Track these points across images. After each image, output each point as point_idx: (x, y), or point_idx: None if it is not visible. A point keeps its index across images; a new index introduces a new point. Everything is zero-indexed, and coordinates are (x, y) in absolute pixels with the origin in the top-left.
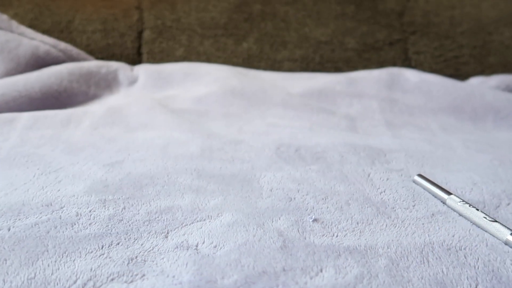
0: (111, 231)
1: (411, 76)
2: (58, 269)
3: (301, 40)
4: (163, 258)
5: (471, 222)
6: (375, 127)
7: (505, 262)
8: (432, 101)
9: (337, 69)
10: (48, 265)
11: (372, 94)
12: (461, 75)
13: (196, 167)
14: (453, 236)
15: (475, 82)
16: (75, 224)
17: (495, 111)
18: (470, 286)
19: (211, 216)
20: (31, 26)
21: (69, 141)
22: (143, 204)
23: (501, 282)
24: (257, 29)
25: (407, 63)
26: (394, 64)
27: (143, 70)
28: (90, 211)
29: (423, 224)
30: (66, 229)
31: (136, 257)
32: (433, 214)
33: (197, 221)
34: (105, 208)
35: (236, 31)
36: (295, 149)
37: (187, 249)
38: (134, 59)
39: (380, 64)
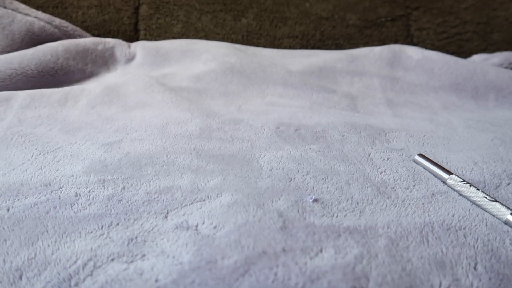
0: (111, 211)
1: (413, 53)
2: (58, 249)
3: (301, 16)
4: (163, 239)
5: (471, 202)
6: (376, 106)
7: (504, 242)
8: (433, 79)
9: (338, 46)
10: (48, 245)
11: (373, 72)
12: (464, 52)
13: (195, 146)
14: (453, 216)
15: (478, 59)
16: (74, 204)
17: (497, 89)
18: (469, 266)
19: (210, 197)
20: (25, 1)
21: (66, 121)
22: (142, 184)
23: (500, 262)
24: (256, 4)
25: (409, 40)
26: (396, 41)
27: (141, 47)
28: (89, 191)
29: (423, 204)
30: (66, 209)
31: (136, 237)
32: (433, 194)
33: (197, 202)
34: (104, 188)
35: (235, 6)
36: (295, 128)
37: (187, 230)
38: (131, 36)
39: (382, 41)
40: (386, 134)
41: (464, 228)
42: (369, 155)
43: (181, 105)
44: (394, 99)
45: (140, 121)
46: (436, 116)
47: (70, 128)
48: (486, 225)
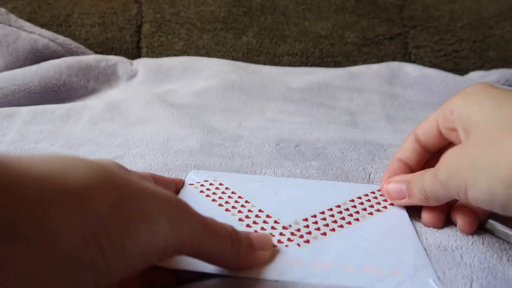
0: None
1: (411, 70)
2: None
3: (300, 34)
4: None
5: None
6: (376, 122)
7: (501, 259)
8: (432, 96)
9: (336, 63)
10: None
11: (372, 88)
12: (461, 69)
13: (196, 163)
14: (449, 236)
15: (475, 76)
16: None
17: None
18: (465, 285)
19: None
20: (30, 19)
21: (68, 136)
22: None
23: (497, 278)
24: (256, 23)
25: (407, 57)
26: (394, 58)
27: (143, 64)
28: None
29: (420, 227)
30: None
31: None
32: None
33: None
34: None
35: (236, 25)
36: (295, 144)
37: None
38: (133, 53)
39: (380, 59)
40: (385, 150)
41: (461, 248)
42: (369, 175)
43: (182, 121)
44: (393, 115)
45: (141, 136)
46: None
47: (73, 144)
48: (483, 243)
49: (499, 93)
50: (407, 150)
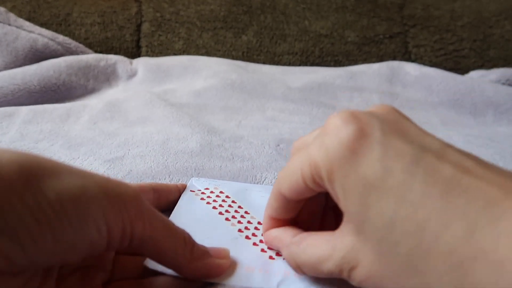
0: None
1: (411, 69)
2: None
3: (300, 33)
4: None
5: None
6: None
7: None
8: (432, 95)
9: (336, 62)
10: None
11: (373, 88)
12: (461, 68)
13: (196, 166)
14: None
15: (475, 75)
16: None
17: (495, 105)
18: None
19: None
20: (29, 19)
21: (68, 136)
22: None
23: None
24: (256, 22)
25: (407, 56)
26: (394, 57)
27: (142, 64)
28: None
29: None
30: None
31: None
32: None
33: None
34: None
35: (236, 24)
36: None
37: None
38: (133, 52)
39: (380, 58)
40: None
41: None
42: None
43: (182, 121)
44: None
45: (141, 136)
46: (435, 131)
47: (72, 143)
48: None
49: (397, 152)
50: (276, 208)
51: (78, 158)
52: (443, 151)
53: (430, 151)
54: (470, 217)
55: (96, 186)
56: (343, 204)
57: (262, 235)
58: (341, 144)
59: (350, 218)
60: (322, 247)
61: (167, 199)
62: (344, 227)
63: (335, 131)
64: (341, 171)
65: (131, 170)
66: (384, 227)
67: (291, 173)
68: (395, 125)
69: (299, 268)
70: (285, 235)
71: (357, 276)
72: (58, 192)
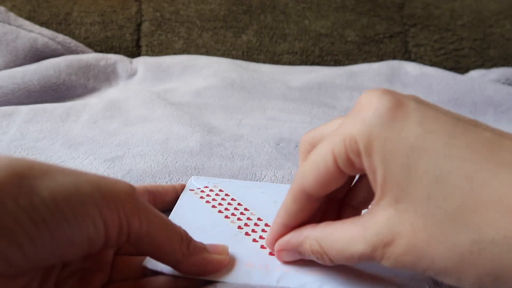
0: None
1: (411, 69)
2: None
3: (300, 33)
4: None
5: None
6: None
7: None
8: (432, 95)
9: (336, 61)
10: None
11: (373, 87)
12: (461, 68)
13: (196, 165)
14: None
15: (475, 75)
16: None
17: (496, 104)
18: None
19: None
20: (29, 18)
21: (68, 135)
22: None
23: None
24: (256, 21)
25: (407, 56)
26: (394, 57)
27: (142, 63)
28: None
29: None
30: None
31: None
32: None
33: None
34: None
35: (236, 24)
36: (295, 144)
37: None
38: (133, 52)
39: (380, 57)
40: None
41: None
42: None
43: (182, 120)
44: None
45: (141, 136)
46: None
47: (73, 143)
48: None
49: (436, 118)
50: (293, 214)
51: (78, 157)
52: (477, 122)
53: (465, 120)
54: None
55: (89, 184)
56: (381, 175)
57: (267, 242)
58: (379, 112)
59: (389, 187)
60: (351, 229)
61: (162, 200)
62: (376, 205)
63: (370, 104)
64: (380, 138)
65: (131, 169)
66: (430, 185)
67: (318, 162)
68: (425, 101)
69: (326, 256)
70: (302, 230)
71: (395, 251)
72: (52, 191)
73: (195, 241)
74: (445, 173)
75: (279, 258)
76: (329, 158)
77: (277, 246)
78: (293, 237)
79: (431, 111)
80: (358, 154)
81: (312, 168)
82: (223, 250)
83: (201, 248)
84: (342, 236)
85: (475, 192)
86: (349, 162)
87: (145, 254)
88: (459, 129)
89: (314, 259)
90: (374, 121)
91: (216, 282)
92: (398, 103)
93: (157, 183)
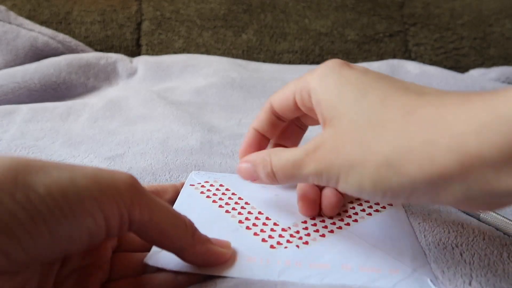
0: None
1: (411, 68)
2: None
3: (300, 32)
4: None
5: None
6: None
7: (501, 255)
8: None
9: None
10: None
11: None
12: (461, 67)
13: (196, 162)
14: (449, 233)
15: (475, 74)
16: None
17: None
18: (464, 283)
19: None
20: (29, 17)
21: (68, 134)
22: None
23: (496, 275)
24: (256, 20)
25: (407, 55)
26: (394, 56)
27: (142, 62)
28: None
29: (419, 223)
30: None
31: None
32: (429, 213)
33: None
34: None
35: (236, 23)
36: None
37: None
38: (133, 51)
39: (380, 56)
40: None
41: (461, 245)
42: None
43: (182, 119)
44: None
45: (141, 134)
46: None
47: (73, 142)
48: (484, 239)
49: (358, 78)
50: (262, 120)
51: (79, 156)
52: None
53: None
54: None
55: (85, 177)
56: (324, 103)
57: (240, 150)
58: (329, 67)
59: (326, 112)
60: (296, 150)
61: (162, 199)
62: (321, 134)
63: (325, 64)
64: (325, 78)
65: (131, 167)
66: (354, 106)
67: (285, 91)
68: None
69: (273, 176)
70: (263, 151)
71: (321, 152)
72: (48, 187)
73: (199, 232)
74: (363, 93)
75: (238, 172)
76: (290, 91)
77: (241, 158)
78: (253, 155)
79: (372, 70)
80: (309, 94)
81: (280, 93)
82: (226, 244)
83: (206, 239)
84: (288, 154)
85: (387, 107)
86: (301, 98)
87: (150, 242)
88: (385, 78)
89: (264, 178)
90: (323, 72)
91: (216, 277)
92: (345, 63)
93: (157, 181)
